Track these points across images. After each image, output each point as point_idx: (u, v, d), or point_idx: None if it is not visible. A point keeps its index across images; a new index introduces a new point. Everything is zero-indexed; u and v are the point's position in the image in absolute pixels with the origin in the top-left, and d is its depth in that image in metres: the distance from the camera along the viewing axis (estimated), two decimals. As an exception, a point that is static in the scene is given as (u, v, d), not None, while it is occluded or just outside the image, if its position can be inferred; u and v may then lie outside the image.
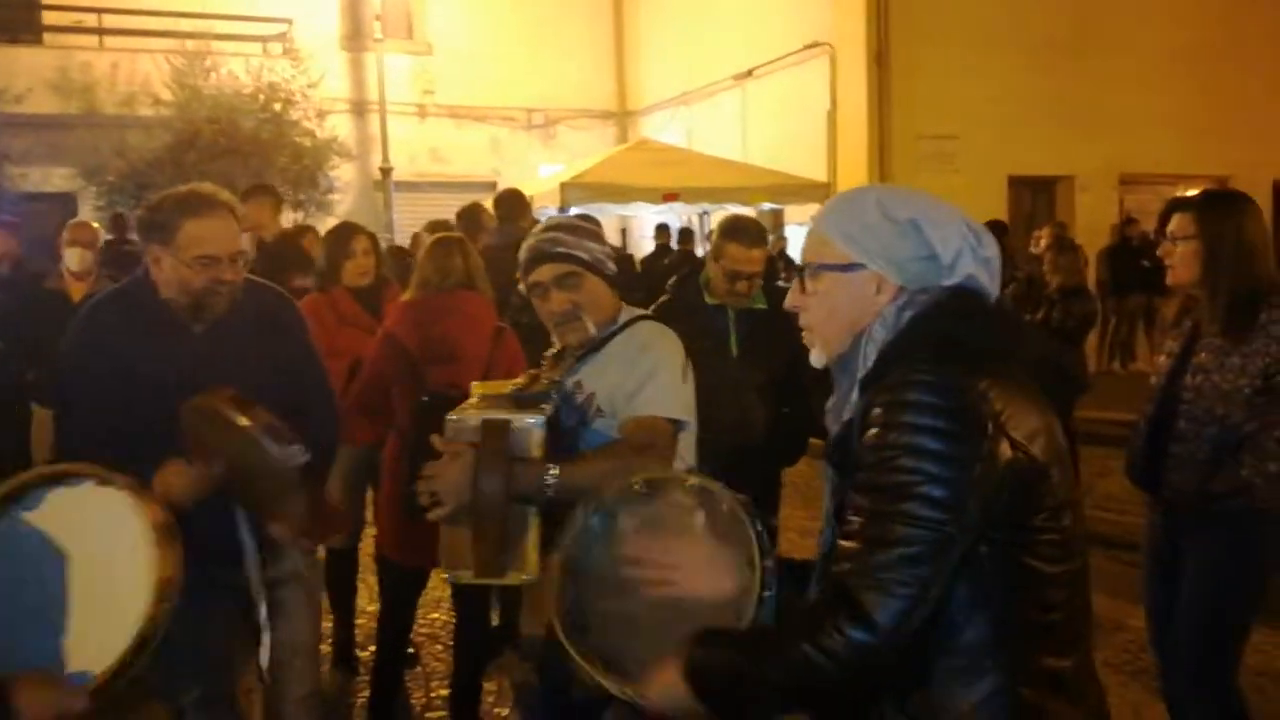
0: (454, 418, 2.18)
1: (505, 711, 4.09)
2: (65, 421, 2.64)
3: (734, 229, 3.75)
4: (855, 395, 1.51)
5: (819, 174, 12.45)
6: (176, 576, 1.96)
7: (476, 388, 2.43)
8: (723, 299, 3.75)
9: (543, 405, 2.24)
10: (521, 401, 2.27)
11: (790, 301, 1.66)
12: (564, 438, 2.36)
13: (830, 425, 1.61)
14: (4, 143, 11.68)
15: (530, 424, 2.14)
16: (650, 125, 16.57)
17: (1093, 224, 12.48)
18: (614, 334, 2.46)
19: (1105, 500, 6.51)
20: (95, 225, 6.09)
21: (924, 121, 12.05)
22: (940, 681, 1.42)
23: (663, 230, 12.84)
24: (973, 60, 12.07)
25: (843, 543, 1.43)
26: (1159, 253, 3.00)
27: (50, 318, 5.12)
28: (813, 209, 12.38)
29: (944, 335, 1.47)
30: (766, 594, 1.56)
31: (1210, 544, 2.84)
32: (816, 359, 1.64)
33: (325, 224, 9.59)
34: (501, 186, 15.23)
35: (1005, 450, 1.39)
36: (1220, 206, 2.92)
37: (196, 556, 2.50)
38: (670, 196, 11.06)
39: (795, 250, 12.83)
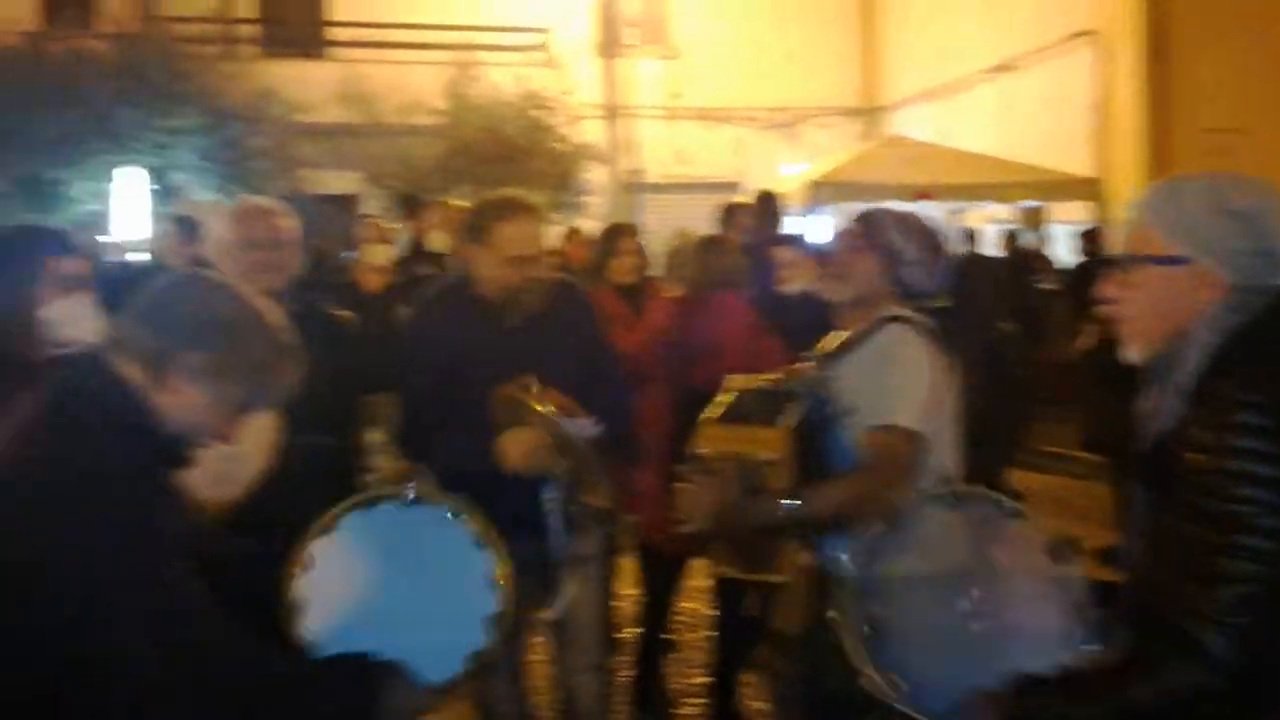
0: (696, 452, 2.30)
1: (762, 705, 4.14)
2: (405, 405, 2.94)
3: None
4: (1174, 403, 1.44)
5: (1083, 169, 11.77)
6: (509, 578, 2.07)
7: (732, 381, 2.50)
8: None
9: (790, 407, 2.30)
10: (772, 400, 2.35)
11: (1106, 292, 1.59)
12: (813, 438, 2.38)
13: (1144, 431, 1.53)
14: (298, 149, 12.90)
15: (770, 458, 2.22)
16: (898, 121, 16.18)
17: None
18: (867, 334, 2.43)
19: None
20: (387, 225, 6.66)
21: (1207, 114, 11.12)
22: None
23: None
24: (1262, 46, 11.03)
25: (1174, 575, 1.37)
26: None
27: (346, 308, 5.67)
28: (1078, 206, 11.73)
29: (1278, 345, 1.38)
30: (1087, 647, 1.52)
31: None
32: (1132, 354, 1.57)
33: (581, 226, 10.01)
34: (744, 187, 15.44)
35: None
36: None
37: (501, 529, 2.74)
38: (922, 194, 10.74)
39: (1060, 250, 12.19)
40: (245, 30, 14.84)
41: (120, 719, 1.58)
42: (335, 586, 1.99)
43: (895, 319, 2.43)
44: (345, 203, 14.04)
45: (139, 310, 1.70)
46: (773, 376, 2.58)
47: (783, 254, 4.87)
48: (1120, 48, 11.67)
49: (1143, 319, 1.53)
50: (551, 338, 2.87)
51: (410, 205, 6.88)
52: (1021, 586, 1.61)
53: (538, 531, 2.83)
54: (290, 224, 2.98)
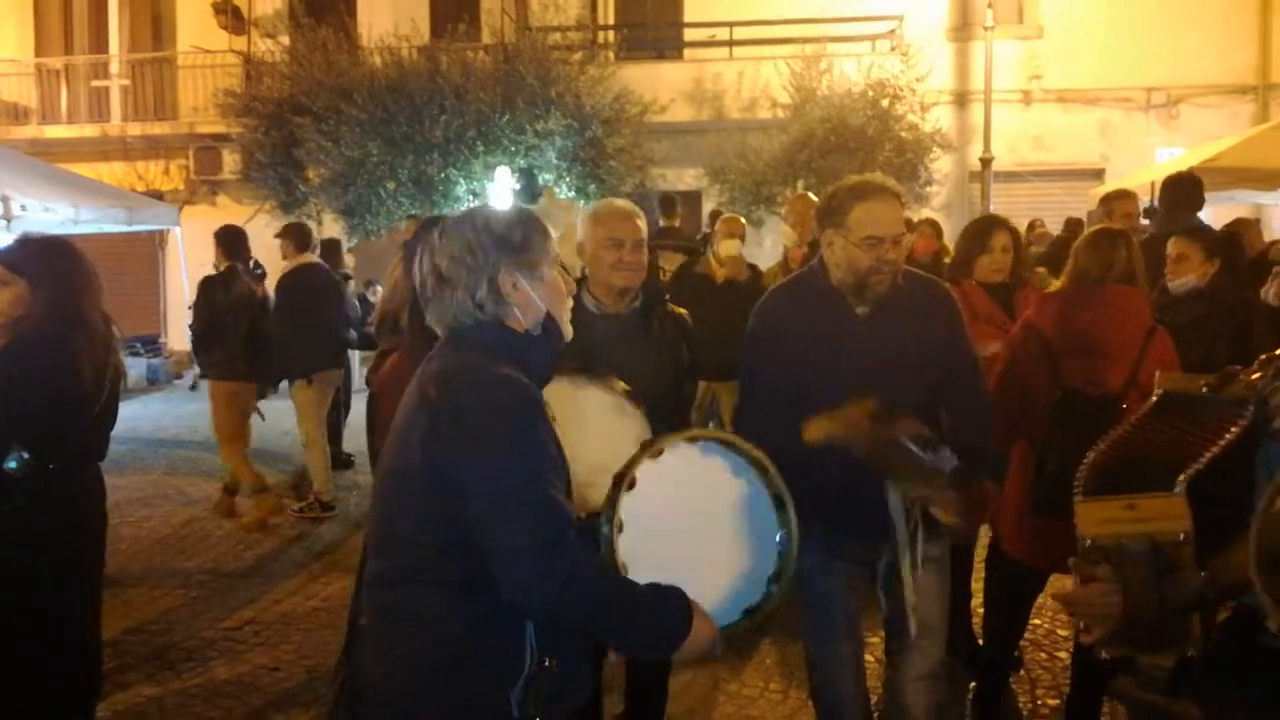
0: (1089, 544, 2.00)
1: (1125, 736, 3.82)
2: (748, 396, 2.99)
3: None
4: None
5: None
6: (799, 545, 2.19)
7: (1161, 379, 2.25)
8: None
9: (1236, 418, 2.02)
10: (1213, 407, 2.08)
11: None
12: (1239, 455, 2.09)
13: None
14: (649, 147, 13.48)
15: (1180, 539, 1.91)
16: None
17: None
18: None
19: None
20: (742, 220, 6.82)
21: None
22: None
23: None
24: None
25: None
26: None
27: (701, 297, 5.87)
28: None
29: None
30: None
31: None
32: None
33: (919, 216, 9.68)
34: (1110, 174, 14.24)
35: None
36: None
37: (839, 527, 2.73)
38: (1332, 181, 9.39)
39: None
40: (607, 35, 15.70)
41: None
42: (650, 513, 2.13)
43: None
44: (691, 199, 14.54)
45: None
46: (1203, 379, 2.31)
47: (1173, 247, 4.41)
48: None
49: None
50: (904, 328, 2.79)
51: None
52: None
53: (875, 533, 2.79)
54: (641, 225, 3.12)
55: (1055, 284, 3.74)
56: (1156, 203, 6.04)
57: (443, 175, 12.16)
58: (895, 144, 13.33)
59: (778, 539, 2.31)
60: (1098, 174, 14.55)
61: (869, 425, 2.51)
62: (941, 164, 14.19)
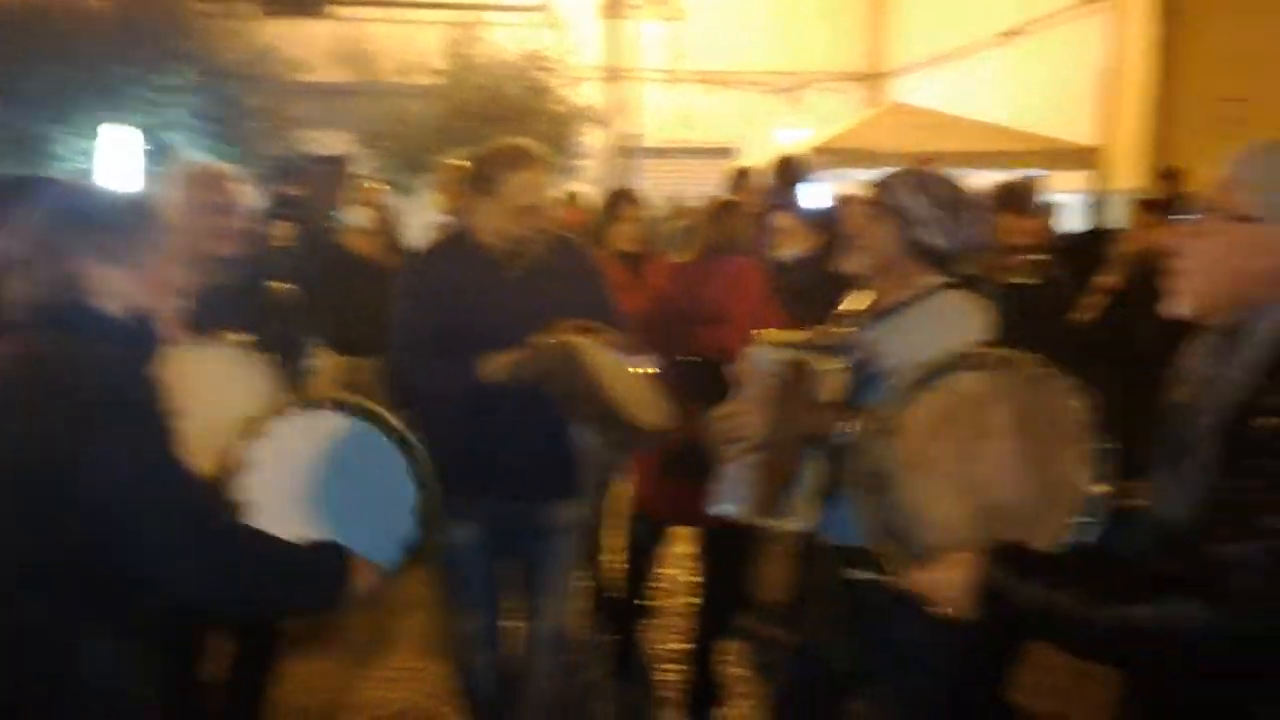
0: (754, 353, 2.18)
1: (743, 672, 4.13)
2: (400, 360, 2.92)
3: (1007, 197, 3.52)
4: (1245, 376, 1.40)
5: (1086, 138, 11.64)
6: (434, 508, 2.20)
7: (767, 334, 2.42)
8: (986, 271, 3.45)
9: (841, 354, 2.22)
10: (819, 348, 2.26)
11: (1170, 239, 1.57)
12: (851, 393, 2.31)
13: (1192, 395, 1.50)
14: (294, 108, 12.75)
15: (834, 369, 2.12)
16: (903, 88, 16.00)
17: None
18: (916, 300, 2.36)
19: None
20: (378, 187, 6.58)
21: (1215, 82, 10.97)
22: None
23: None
24: (1271, 17, 10.87)
25: (1212, 522, 1.35)
26: None
27: (336, 270, 5.63)
28: (1077, 176, 11.61)
29: None
30: (1088, 520, 1.48)
31: None
32: (1179, 305, 1.53)
33: (570, 189, 9.90)
34: (744, 151, 15.32)
35: None
36: None
37: (507, 494, 2.74)
38: (925, 161, 10.61)
39: (1064, 220, 12.11)
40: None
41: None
42: (274, 486, 2.11)
43: (945, 286, 2.37)
44: (336, 164, 13.94)
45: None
46: (803, 335, 2.51)
47: (778, 220, 4.79)
48: (1131, 14, 11.51)
49: (1202, 273, 1.49)
50: (554, 290, 2.85)
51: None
52: (1014, 443, 1.57)
53: (550, 485, 2.82)
54: (242, 191, 2.93)
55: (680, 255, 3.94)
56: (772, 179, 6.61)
57: (46, 132, 10.81)
58: (548, 117, 13.51)
59: (407, 474, 2.26)
60: (730, 153, 15.58)
61: (562, 343, 2.51)
62: (593, 139, 14.58)
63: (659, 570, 4.37)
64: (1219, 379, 1.45)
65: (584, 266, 3.03)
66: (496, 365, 2.63)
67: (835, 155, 10.46)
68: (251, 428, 2.14)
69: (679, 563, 4.94)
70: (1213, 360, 1.48)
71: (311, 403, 2.27)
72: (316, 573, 1.93)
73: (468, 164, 2.93)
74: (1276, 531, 1.26)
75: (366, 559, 2.00)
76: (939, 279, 2.37)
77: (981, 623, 1.44)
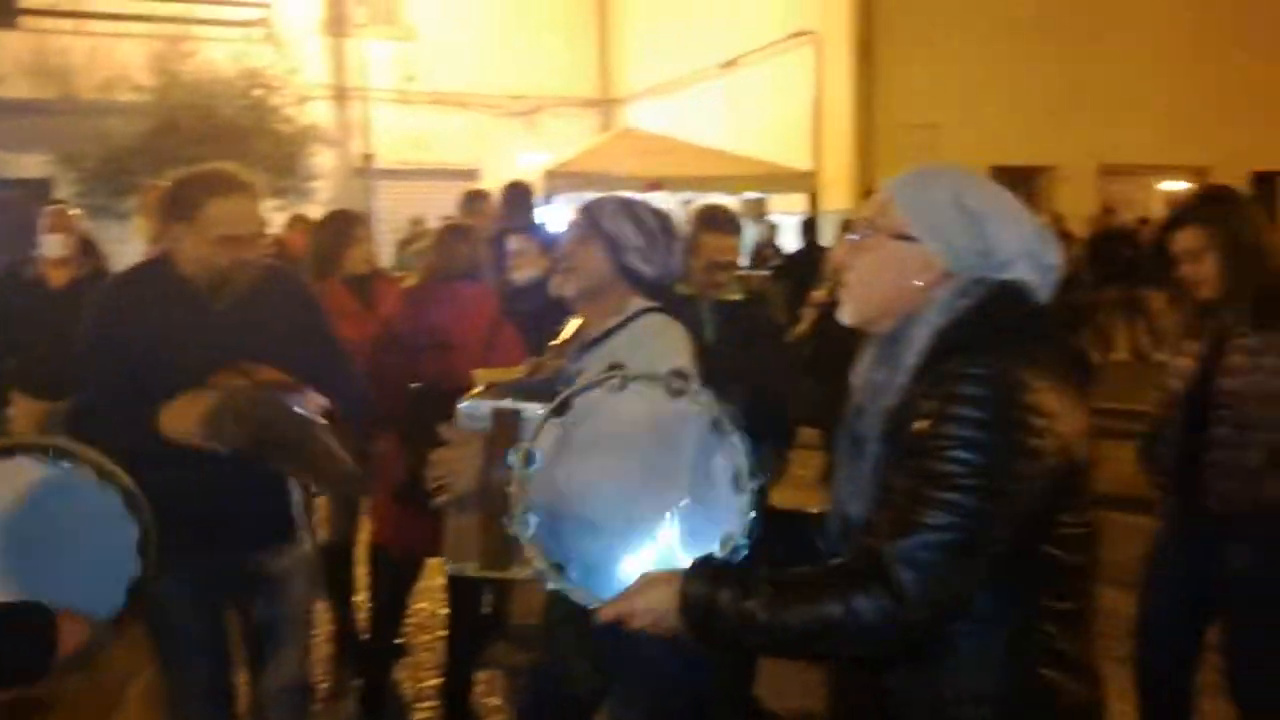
0: (465, 405, 2.13)
1: (497, 701, 4.09)
2: (89, 403, 2.63)
3: (709, 218, 3.65)
4: (903, 379, 1.52)
5: (804, 163, 12.48)
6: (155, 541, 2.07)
7: (481, 375, 2.40)
8: (699, 290, 3.57)
9: (552, 395, 2.21)
10: (529, 390, 2.25)
11: (838, 255, 1.69)
12: None
13: (862, 398, 1.61)
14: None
15: (542, 414, 2.10)
16: (634, 113, 16.54)
17: (1072, 214, 12.58)
18: (620, 326, 2.40)
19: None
20: (74, 212, 6.00)
21: (908, 110, 12.09)
22: (963, 660, 1.46)
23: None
24: (957, 49, 12.13)
25: (882, 518, 1.45)
26: (1183, 274, 2.90)
27: (29, 305, 5.09)
28: (797, 199, 12.44)
29: (1000, 329, 1.49)
30: (751, 515, 1.56)
31: (1263, 543, 2.82)
32: (845, 315, 1.65)
33: (307, 212, 9.50)
34: (484, 174, 15.28)
35: (1054, 449, 1.41)
36: (1220, 208, 2.87)
37: (216, 546, 2.54)
38: (654, 185, 11.05)
39: (785, 239, 12.92)
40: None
41: None
42: None
43: (650, 310, 2.40)
44: (36, 188, 12.69)
45: None
46: (519, 371, 2.49)
47: (514, 243, 4.79)
48: (834, 47, 12.46)
49: (863, 285, 1.61)
50: (263, 323, 2.65)
51: None
52: (687, 465, 1.61)
53: (243, 541, 2.63)
54: None
55: (409, 280, 3.86)
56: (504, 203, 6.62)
57: None
58: (272, 137, 12.91)
59: (122, 508, 2.10)
60: (474, 174, 15.51)
61: (227, 392, 2.33)
62: (324, 160, 14.06)
63: (410, 606, 4.25)
64: (883, 384, 1.57)
65: (297, 298, 2.84)
66: (180, 427, 2.42)
67: (569, 179, 10.67)
68: None
69: (431, 596, 4.83)
70: (877, 366, 1.61)
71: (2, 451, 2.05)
72: (13, 640, 1.78)
73: (165, 189, 2.68)
74: (935, 527, 1.38)
75: (79, 614, 1.86)
76: (642, 304, 2.42)
77: (689, 639, 1.48)
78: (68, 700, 3.88)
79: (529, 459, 1.60)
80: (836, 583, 1.41)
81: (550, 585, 1.57)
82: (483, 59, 16.16)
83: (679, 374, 1.70)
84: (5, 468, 2.02)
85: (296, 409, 2.38)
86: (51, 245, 5.41)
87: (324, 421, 2.44)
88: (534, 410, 2.09)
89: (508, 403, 2.11)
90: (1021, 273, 1.54)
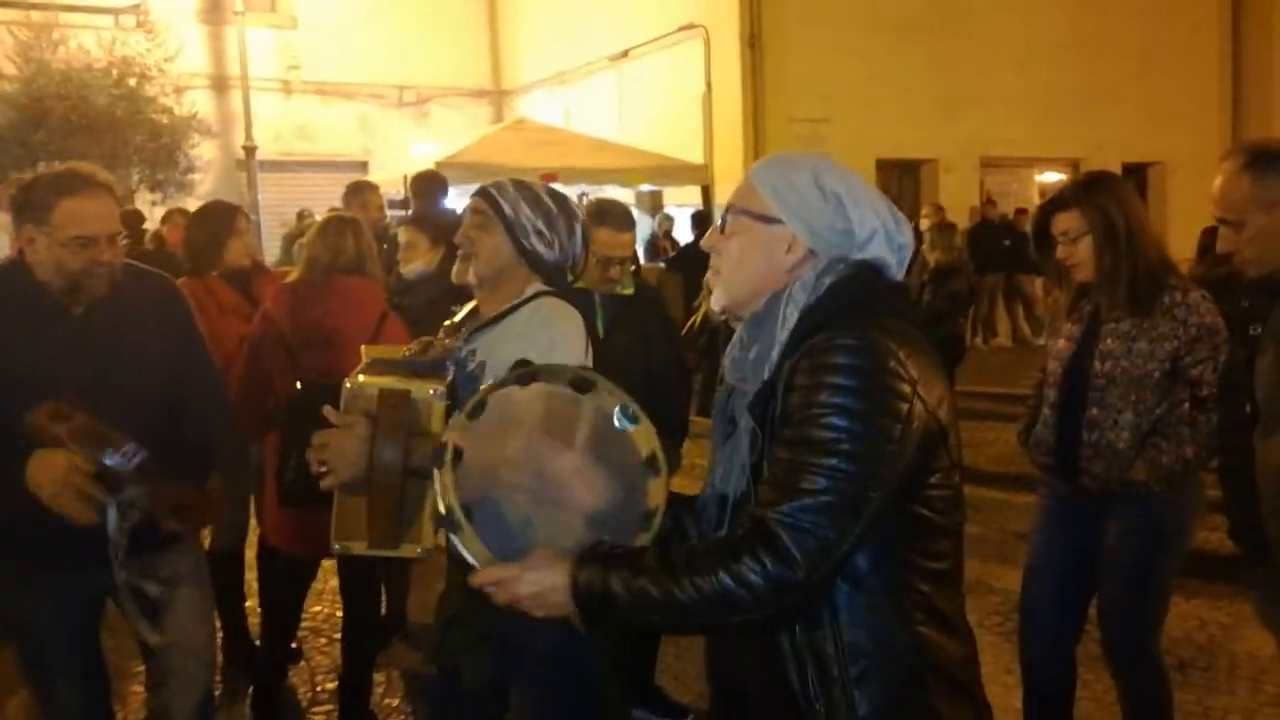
0: (350, 385, 2.07)
1: (395, 701, 4.03)
2: None
3: (603, 213, 3.59)
4: (775, 355, 1.57)
5: (696, 156, 12.58)
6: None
7: (367, 351, 2.33)
8: (593, 285, 3.54)
9: (441, 374, 2.18)
10: (419, 369, 2.21)
11: (707, 241, 1.73)
12: (456, 407, 2.29)
13: (734, 378, 1.66)
14: None
15: (432, 395, 2.07)
16: (526, 105, 16.42)
17: (955, 205, 12.99)
18: (515, 308, 2.38)
19: (971, 469, 6.81)
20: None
21: (796, 104, 12.30)
22: (843, 617, 1.52)
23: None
24: (844, 44, 12.38)
25: (765, 488, 1.49)
26: (1060, 256, 2.97)
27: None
28: (691, 191, 12.54)
29: (862, 303, 1.55)
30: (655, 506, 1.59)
31: (1130, 521, 2.93)
32: (716, 301, 1.70)
33: (187, 205, 9.18)
34: (373, 166, 14.98)
35: (920, 412, 1.48)
36: (1100, 192, 2.92)
37: (70, 560, 2.41)
38: (549, 177, 10.96)
39: (680, 231, 12.99)
40: None
41: None
42: None
43: (542, 293, 2.39)
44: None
45: None
46: (411, 348, 2.43)
47: (403, 235, 4.70)
48: (722, 40, 12.58)
49: (732, 268, 1.66)
50: (126, 327, 2.54)
51: None
52: (586, 456, 1.62)
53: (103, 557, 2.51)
54: None
55: (292, 274, 3.75)
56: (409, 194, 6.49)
57: None
58: (149, 128, 12.40)
59: None
60: (362, 166, 15.19)
61: (49, 430, 2.23)
62: (204, 151, 13.55)
63: (305, 609, 4.15)
64: (753, 362, 1.62)
65: (161, 300, 2.73)
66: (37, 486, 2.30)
67: (460, 170, 10.51)
68: None
69: (326, 598, 4.74)
70: (746, 346, 1.66)
71: None
72: None
73: (14, 189, 2.53)
74: (815, 491, 1.44)
75: None
76: (539, 287, 2.42)
77: (581, 622, 1.50)
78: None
79: (456, 456, 1.57)
80: (724, 553, 1.45)
81: (452, 537, 1.54)
82: (370, 49, 15.82)
83: (584, 369, 1.73)
84: None
85: (109, 463, 2.28)
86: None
87: (143, 475, 2.35)
88: (425, 391, 2.06)
89: (394, 382, 2.07)
90: (878, 251, 1.62)
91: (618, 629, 1.55)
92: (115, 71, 12.41)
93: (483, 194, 2.41)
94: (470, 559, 1.55)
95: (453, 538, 1.55)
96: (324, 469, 1.99)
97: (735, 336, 1.70)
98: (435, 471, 1.57)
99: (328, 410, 2.06)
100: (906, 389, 1.47)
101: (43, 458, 2.28)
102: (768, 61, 12.30)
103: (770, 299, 1.62)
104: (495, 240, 2.37)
